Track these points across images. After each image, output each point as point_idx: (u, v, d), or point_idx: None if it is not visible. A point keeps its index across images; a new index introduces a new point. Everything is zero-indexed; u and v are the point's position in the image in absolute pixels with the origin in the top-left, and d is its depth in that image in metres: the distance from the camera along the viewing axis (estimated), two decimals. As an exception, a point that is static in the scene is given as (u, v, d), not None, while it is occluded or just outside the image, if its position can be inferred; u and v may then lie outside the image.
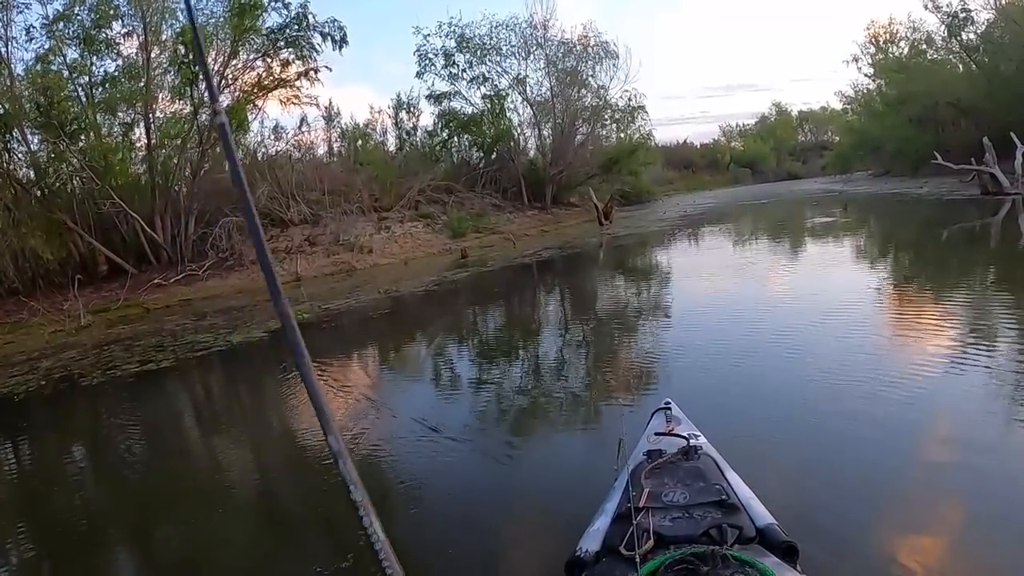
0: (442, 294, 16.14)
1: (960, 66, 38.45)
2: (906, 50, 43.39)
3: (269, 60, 25.20)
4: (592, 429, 6.06)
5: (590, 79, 38.70)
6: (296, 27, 25.15)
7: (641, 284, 14.80)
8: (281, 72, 25.52)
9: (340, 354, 10.67)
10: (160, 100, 24.09)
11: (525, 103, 37.66)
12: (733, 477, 3.09)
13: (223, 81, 23.80)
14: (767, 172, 71.32)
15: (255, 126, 27.04)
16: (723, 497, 2.74)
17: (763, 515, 2.71)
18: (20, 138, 21.25)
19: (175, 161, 23.53)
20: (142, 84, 22.81)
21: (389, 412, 7.27)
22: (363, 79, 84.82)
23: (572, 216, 35.63)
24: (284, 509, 5.33)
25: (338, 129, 33.11)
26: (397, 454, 5.88)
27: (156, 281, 20.41)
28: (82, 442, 8.14)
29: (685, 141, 73.26)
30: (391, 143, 36.20)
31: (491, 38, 36.21)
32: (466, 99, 36.16)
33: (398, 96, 35.85)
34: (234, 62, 24.27)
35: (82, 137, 22.38)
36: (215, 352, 11.43)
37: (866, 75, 48.18)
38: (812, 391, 6.09)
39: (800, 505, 3.88)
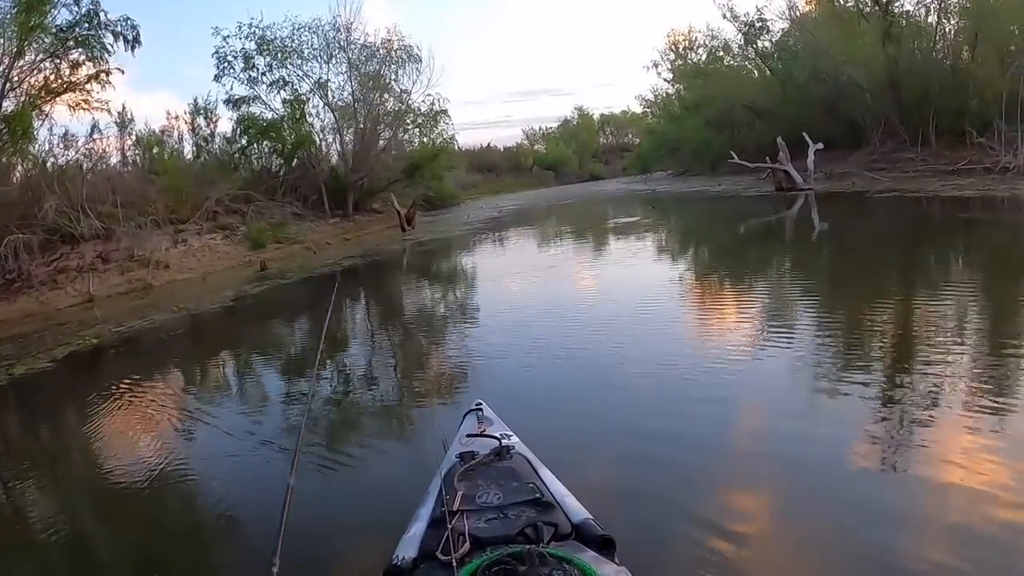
0: (241, 310, 16.35)
1: (755, 72, 42.54)
2: (704, 56, 47.31)
3: (58, 61, 24.18)
4: (407, 435, 6.31)
5: (393, 83, 39.31)
6: (87, 25, 24.25)
7: (447, 289, 15.64)
8: (71, 74, 24.58)
9: (140, 377, 10.28)
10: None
11: (327, 108, 37.79)
12: (547, 475, 3.14)
13: (7, 84, 22.64)
14: (570, 174, 74.45)
15: (43, 133, 25.58)
16: (537, 495, 2.80)
17: (578, 511, 2.76)
18: None
19: (-45, 174, 21.92)
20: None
21: (207, 429, 7.25)
22: (165, 83, 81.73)
23: (375, 223, 36.01)
24: (90, 548, 5.15)
25: (133, 136, 31.98)
26: (210, 470, 5.96)
27: (-66, 307, 19.21)
28: None
29: (488, 145, 75.28)
30: (188, 151, 35.25)
31: (293, 40, 36.14)
32: (266, 104, 35.91)
33: (195, 101, 34.69)
34: (19, 63, 23.04)
35: None
36: (-6, 388, 11.11)
37: (665, 80, 52.56)
38: (625, 384, 6.52)
39: (616, 498, 4.16)
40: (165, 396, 9.12)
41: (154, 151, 32.48)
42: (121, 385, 9.79)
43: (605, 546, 2.53)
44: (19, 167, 26.03)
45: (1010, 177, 20.63)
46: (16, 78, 23.19)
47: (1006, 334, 7.07)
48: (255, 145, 35.91)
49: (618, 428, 5.47)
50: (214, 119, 35.49)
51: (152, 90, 74.91)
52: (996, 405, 5.07)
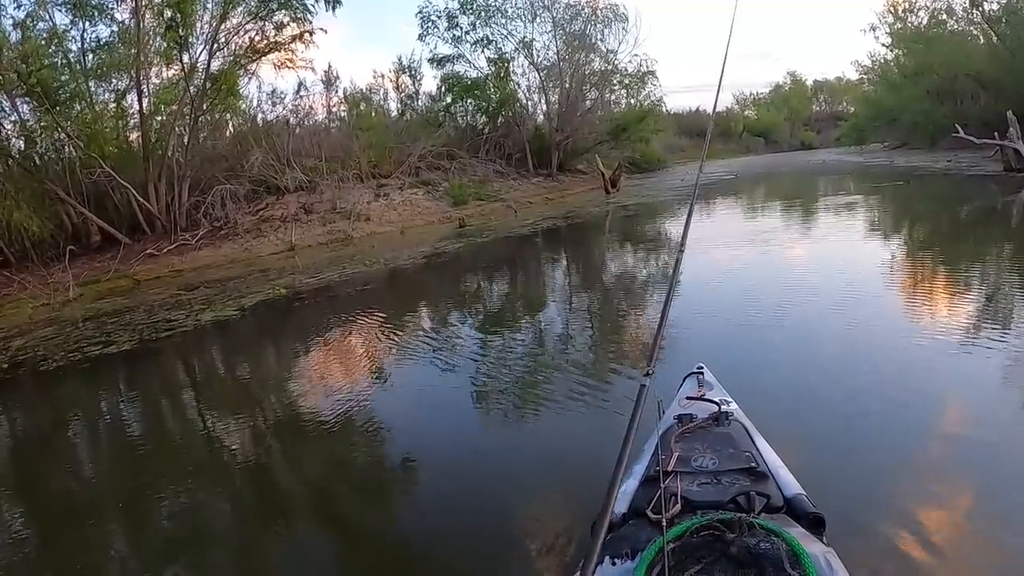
0: (435, 267, 15.65)
1: (981, 38, 37.58)
2: (925, 20, 42.37)
3: (262, 22, 24.24)
4: (623, 392, 5.83)
5: (599, 43, 37.77)
6: (289, -13, 24.21)
7: (653, 253, 14.29)
8: (275, 35, 24.68)
9: (313, 332, 10.22)
10: (155, 66, 23.32)
11: (532, 67, 36.78)
12: (763, 445, 3.04)
13: (215, 45, 23.03)
14: (780, 142, 71.38)
15: (252, 91, 26.16)
16: (752, 465, 2.70)
17: (791, 485, 2.67)
18: (10, 107, 20.52)
19: (170, 128, 22.78)
20: (134, 51, 21.87)
21: (384, 378, 7.36)
22: (376, 41, 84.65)
23: (578, 184, 34.90)
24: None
25: (339, 94, 32.40)
26: (402, 422, 5.93)
27: (149, 251, 19.87)
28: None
29: (698, 109, 72.12)
30: (393, 108, 35.47)
31: (496, -1, 35.20)
32: (470, 63, 35.26)
33: (399, 60, 34.99)
34: (225, 25, 23.31)
35: (74, 105, 21.57)
36: (180, 333, 10.85)
37: (883, 45, 47.22)
38: (843, 363, 5.95)
39: (829, 477, 3.83)
40: (330, 354, 8.97)
41: (360, 107, 32.83)
42: (294, 338, 10.12)
43: (815, 524, 2.42)
44: (230, 122, 26.94)
45: None
46: (223, 39, 23.56)
47: None
48: (459, 103, 35.63)
49: (835, 407, 5.02)
50: (419, 77, 35.60)
51: (363, 48, 77.10)
52: None
